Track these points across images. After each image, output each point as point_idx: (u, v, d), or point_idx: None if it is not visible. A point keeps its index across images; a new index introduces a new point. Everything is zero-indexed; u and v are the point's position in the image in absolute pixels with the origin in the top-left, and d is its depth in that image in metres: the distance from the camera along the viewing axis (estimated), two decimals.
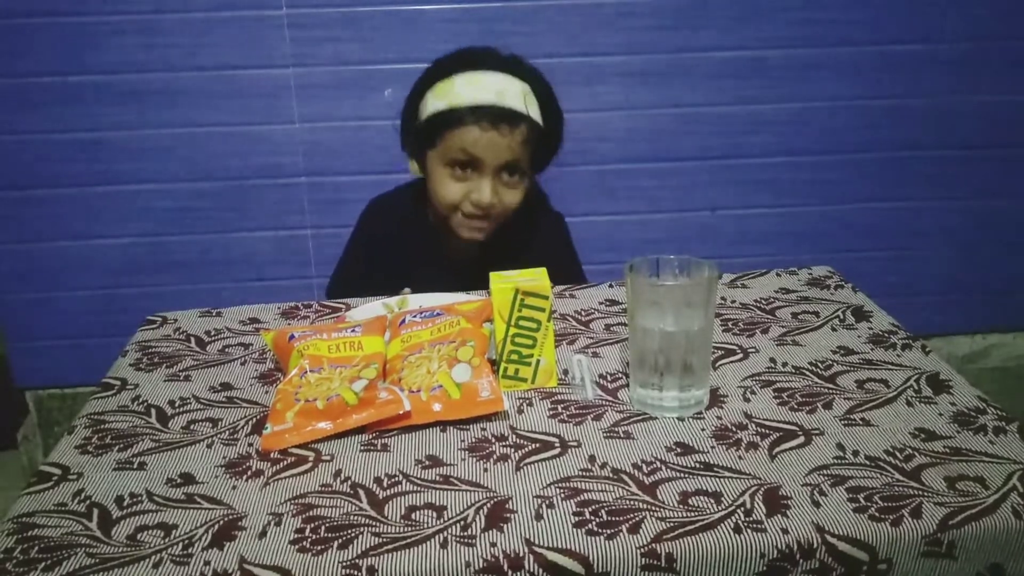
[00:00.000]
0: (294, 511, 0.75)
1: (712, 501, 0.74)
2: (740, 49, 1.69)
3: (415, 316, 0.98)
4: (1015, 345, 1.92)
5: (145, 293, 1.77)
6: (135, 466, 0.83)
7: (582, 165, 1.75)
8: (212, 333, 1.11)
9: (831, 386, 0.93)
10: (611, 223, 1.79)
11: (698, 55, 1.69)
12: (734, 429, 0.85)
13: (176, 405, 0.94)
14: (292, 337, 0.94)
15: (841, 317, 1.08)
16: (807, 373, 0.95)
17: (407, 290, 1.27)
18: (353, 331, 0.96)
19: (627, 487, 0.77)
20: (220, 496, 0.78)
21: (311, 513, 0.75)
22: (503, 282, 0.93)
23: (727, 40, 1.68)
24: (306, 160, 1.70)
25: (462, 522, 0.73)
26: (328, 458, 0.83)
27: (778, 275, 1.22)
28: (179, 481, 0.80)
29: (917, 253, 1.87)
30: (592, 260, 1.56)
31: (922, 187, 1.82)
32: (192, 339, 1.10)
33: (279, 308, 1.18)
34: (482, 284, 1.32)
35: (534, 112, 1.31)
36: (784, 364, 0.98)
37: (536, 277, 0.93)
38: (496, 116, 1.27)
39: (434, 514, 0.74)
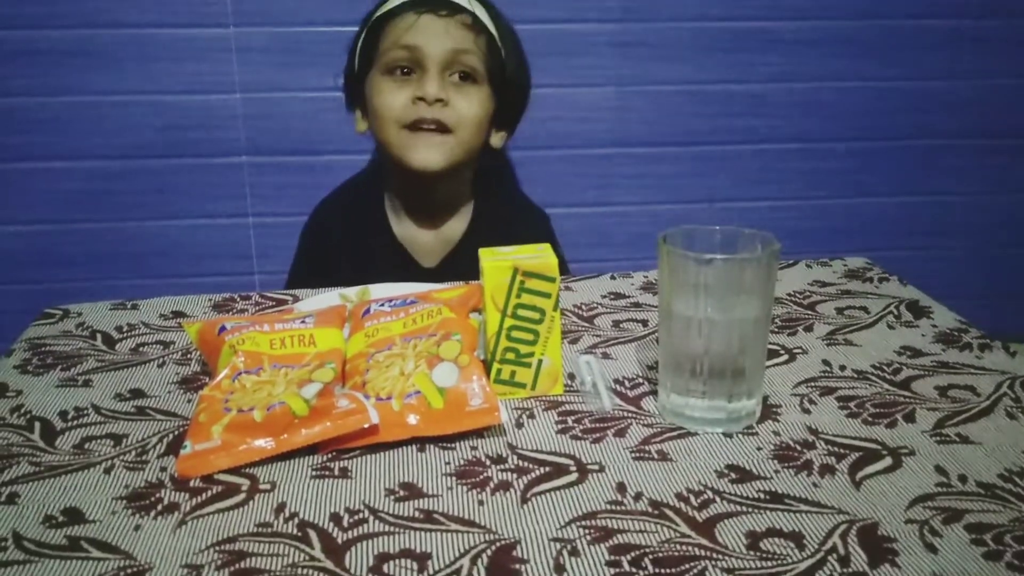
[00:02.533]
0: (219, 561, 0.54)
1: (792, 545, 0.55)
2: (748, 20, 1.51)
3: (382, 305, 0.77)
4: None
5: (46, 290, 1.52)
6: (2, 498, 0.61)
7: (567, 148, 1.55)
8: (124, 329, 0.89)
9: (907, 394, 0.74)
10: (599, 215, 1.59)
11: (701, 25, 1.51)
12: (799, 447, 0.66)
13: (69, 417, 0.72)
14: (223, 329, 0.73)
15: (896, 313, 0.90)
16: (873, 378, 0.77)
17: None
18: (303, 322, 0.75)
19: (674, 526, 0.57)
20: (116, 540, 0.56)
21: (243, 564, 0.54)
22: (497, 259, 0.73)
23: (733, 9, 1.51)
24: (248, 137, 1.48)
25: None
26: (268, 487, 0.62)
27: (808, 266, 1.04)
28: (60, 519, 0.59)
29: (925, 252, 1.71)
30: (578, 257, 1.37)
31: (949, 179, 1.66)
32: (98, 336, 0.88)
33: (210, 300, 0.97)
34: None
35: (480, 12, 1.15)
36: (842, 367, 0.79)
37: (539, 253, 0.74)
38: (433, 2, 1.13)
39: (414, 565, 0.54)
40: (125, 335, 0.88)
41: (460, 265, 1.19)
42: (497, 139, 1.23)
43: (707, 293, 0.67)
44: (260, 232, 1.53)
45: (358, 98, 1.22)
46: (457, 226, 1.23)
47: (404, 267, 1.21)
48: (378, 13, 1.16)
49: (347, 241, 1.22)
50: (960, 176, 1.69)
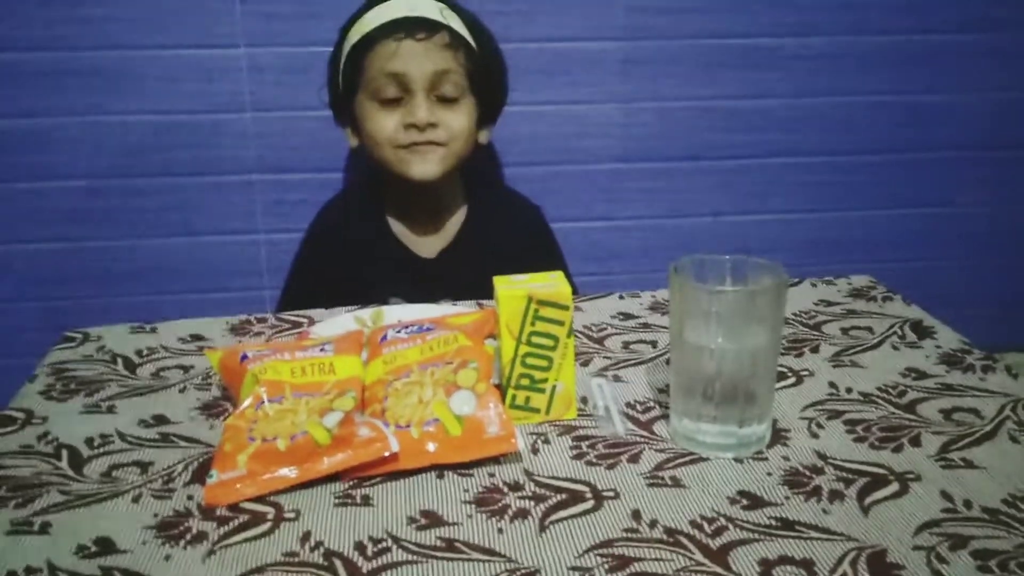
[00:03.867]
0: None
1: (803, 573, 0.57)
2: (752, 37, 1.53)
3: (398, 331, 0.79)
4: None
5: (59, 307, 1.53)
6: (35, 527, 0.63)
7: (574, 164, 1.57)
8: (144, 353, 0.91)
9: (912, 417, 0.76)
10: (606, 229, 1.61)
11: (705, 42, 1.53)
12: (808, 473, 0.68)
13: (95, 445, 0.74)
14: (245, 357, 0.74)
15: (900, 333, 0.92)
16: (879, 401, 0.78)
17: (399, 301, 1.12)
18: (322, 350, 0.76)
19: (689, 554, 0.59)
20: (148, 570, 0.58)
21: None
22: (512, 287, 0.74)
23: (737, 26, 1.52)
24: (258, 155, 1.49)
25: None
26: (292, 515, 0.64)
27: (813, 285, 1.06)
28: (93, 549, 0.60)
29: (927, 264, 1.72)
30: (585, 271, 1.39)
31: (948, 191, 1.68)
32: (119, 360, 0.89)
33: (227, 323, 0.98)
34: (452, 283, 1.16)
35: (455, 24, 1.19)
36: (848, 390, 0.81)
37: (553, 281, 0.75)
38: (409, 25, 1.16)
39: None
40: (145, 359, 0.89)
41: (458, 257, 1.26)
42: (483, 135, 1.28)
43: (718, 322, 0.68)
44: (270, 248, 1.54)
45: (346, 115, 1.26)
46: (453, 223, 1.28)
47: (404, 260, 1.26)
48: (356, 39, 1.19)
49: (348, 239, 1.27)
50: (965, 188, 1.70)
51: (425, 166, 1.19)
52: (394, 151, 1.19)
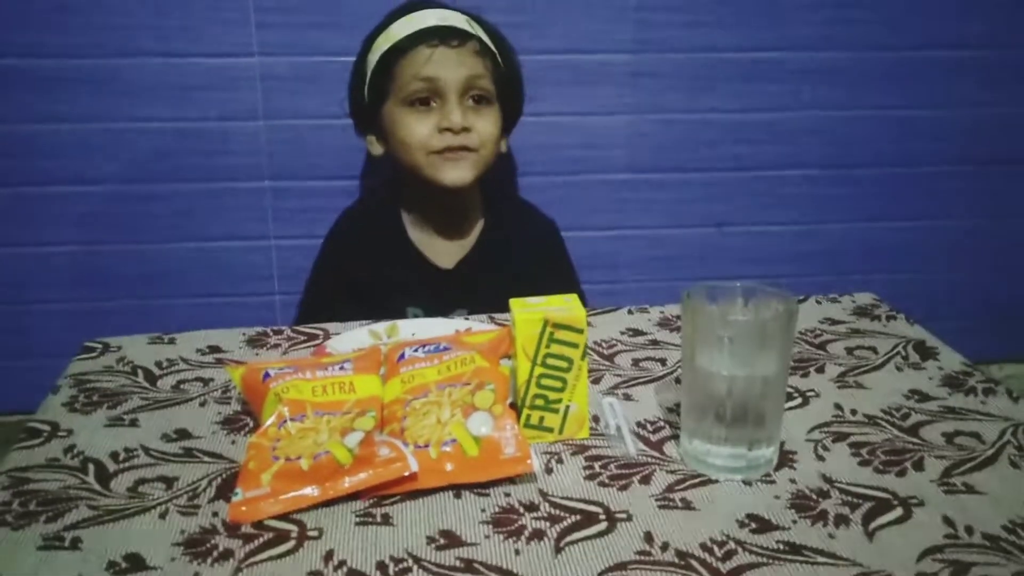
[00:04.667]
0: None
1: None
2: (755, 51, 1.55)
3: (416, 350, 0.81)
4: None
5: (76, 310, 1.55)
6: (66, 543, 0.65)
7: (582, 174, 1.59)
8: (164, 364, 0.93)
9: (915, 440, 0.78)
10: (612, 238, 1.63)
11: (711, 56, 1.55)
12: (815, 497, 0.70)
13: (120, 459, 0.76)
14: (267, 376, 0.77)
15: (904, 354, 0.94)
16: (883, 424, 0.81)
17: (417, 311, 1.19)
18: (342, 368, 0.78)
19: None
20: None
21: None
22: (528, 311, 0.76)
23: (741, 41, 1.54)
24: (270, 162, 1.51)
25: None
26: (315, 533, 0.66)
27: (818, 302, 1.08)
28: (123, 566, 0.62)
29: (929, 276, 1.75)
30: (592, 279, 1.41)
31: (947, 204, 1.70)
32: (139, 372, 0.91)
33: (243, 334, 1.00)
34: (469, 294, 1.22)
35: (483, 35, 1.22)
36: (853, 412, 0.83)
37: (567, 305, 0.77)
38: (441, 33, 1.19)
39: None
40: (165, 371, 0.91)
41: (474, 267, 1.29)
42: (503, 145, 1.31)
43: (730, 349, 0.70)
44: (281, 254, 1.56)
45: (370, 124, 1.28)
46: (471, 229, 1.31)
47: (421, 269, 1.29)
48: (386, 47, 1.21)
49: (367, 248, 1.29)
50: (957, 201, 1.72)
51: (458, 172, 1.21)
52: (427, 156, 1.21)
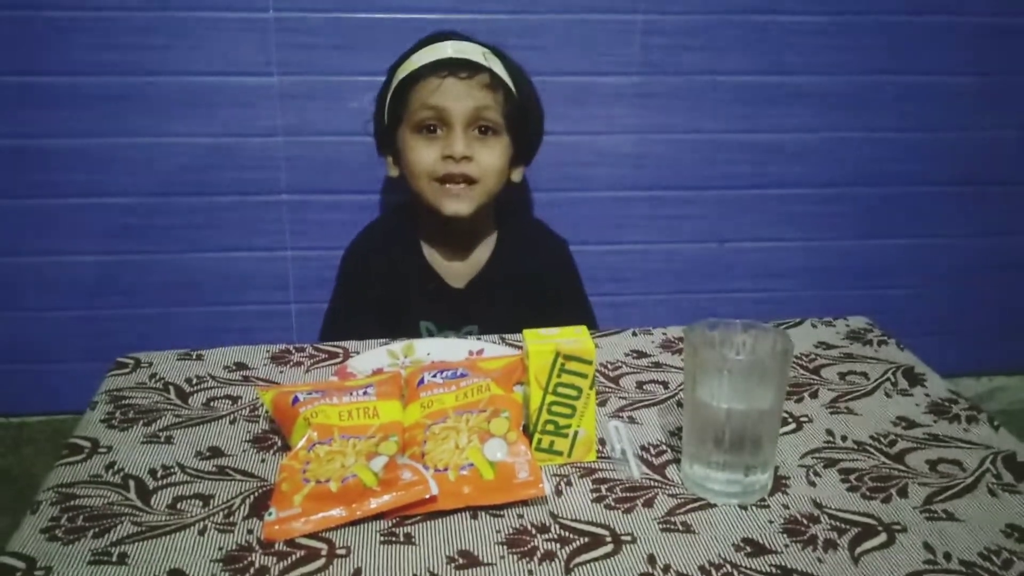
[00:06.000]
0: None
1: None
2: (756, 75, 1.60)
3: (434, 375, 0.86)
4: (1019, 388, 1.87)
5: (99, 316, 1.61)
6: (113, 558, 0.70)
7: (588, 191, 1.65)
8: (193, 381, 0.98)
9: (901, 467, 0.83)
10: (616, 253, 1.68)
11: (713, 78, 1.60)
12: (805, 522, 0.75)
13: (158, 476, 0.81)
14: (296, 400, 0.82)
15: (893, 380, 0.99)
16: (871, 450, 0.86)
17: (429, 325, 1.25)
18: (365, 393, 0.84)
19: None
20: None
21: None
22: (540, 342, 0.81)
23: (742, 64, 1.59)
24: (288, 176, 1.57)
25: None
26: (343, 552, 0.71)
27: (813, 326, 1.13)
28: None
29: (923, 291, 1.80)
30: (596, 292, 1.46)
31: (938, 223, 1.76)
32: (171, 388, 0.97)
33: (267, 352, 1.05)
34: (482, 309, 1.29)
35: (496, 67, 1.27)
36: (844, 438, 0.88)
37: (578, 337, 0.82)
38: (454, 65, 1.24)
39: None
40: (195, 388, 0.97)
41: (486, 287, 1.34)
42: (516, 174, 1.35)
43: (729, 384, 0.76)
44: (297, 265, 1.62)
45: (389, 146, 1.33)
46: (483, 252, 1.35)
47: (436, 289, 1.34)
48: (403, 74, 1.26)
49: (384, 265, 1.34)
50: (953, 220, 1.78)
51: (458, 205, 1.27)
52: (430, 184, 1.26)
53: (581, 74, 1.58)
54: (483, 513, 0.76)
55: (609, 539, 0.73)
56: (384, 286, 1.33)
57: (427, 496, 0.74)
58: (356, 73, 1.43)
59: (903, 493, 0.79)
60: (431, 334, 1.31)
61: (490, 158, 1.27)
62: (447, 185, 1.26)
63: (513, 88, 1.28)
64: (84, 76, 1.49)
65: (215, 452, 0.85)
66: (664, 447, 0.86)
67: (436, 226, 1.33)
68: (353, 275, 1.37)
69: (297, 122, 1.54)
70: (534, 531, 0.74)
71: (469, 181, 1.26)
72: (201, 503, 0.77)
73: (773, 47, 1.60)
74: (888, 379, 1.00)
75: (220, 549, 0.71)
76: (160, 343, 1.07)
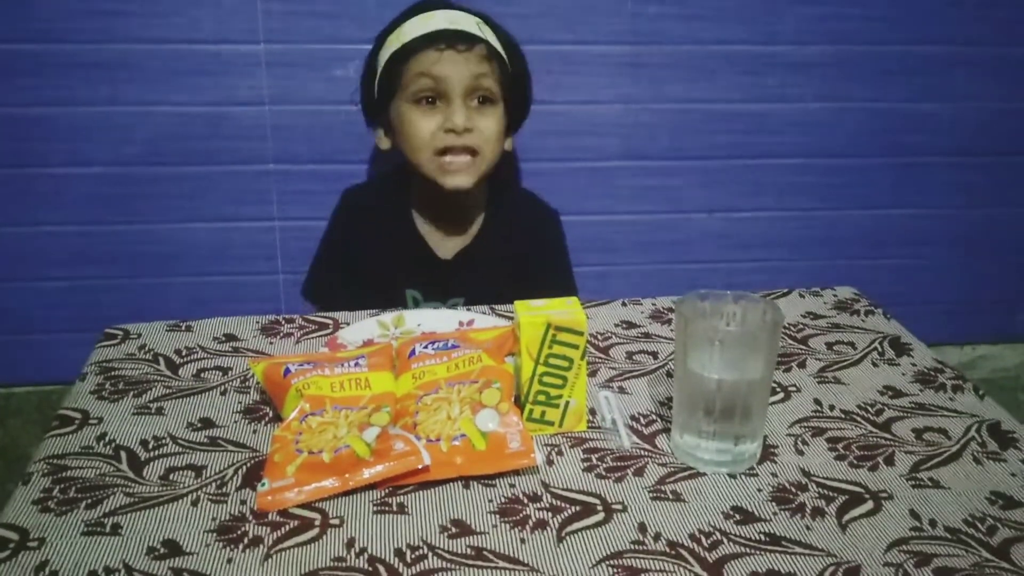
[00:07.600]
0: None
1: None
2: (748, 44, 1.60)
3: (425, 347, 0.87)
4: (1002, 356, 1.89)
5: (85, 286, 1.60)
6: (107, 529, 0.70)
7: (578, 161, 1.64)
8: (183, 352, 0.98)
9: (887, 436, 0.84)
10: (606, 223, 1.69)
11: (704, 48, 1.60)
12: (794, 490, 0.76)
13: (150, 447, 0.81)
14: (288, 371, 0.82)
15: (880, 350, 1.00)
16: (859, 419, 0.87)
17: (415, 294, 1.25)
18: (356, 364, 0.84)
19: (689, 566, 0.67)
20: (214, 573, 0.66)
21: None
22: (532, 313, 0.82)
23: (734, 34, 1.59)
24: (275, 146, 1.56)
25: None
26: (336, 521, 0.72)
27: (801, 296, 1.14)
28: (162, 551, 0.68)
29: (909, 262, 1.81)
30: (586, 262, 1.46)
31: (929, 194, 1.77)
32: (161, 360, 0.96)
33: (257, 323, 1.05)
34: (469, 280, 1.29)
35: (490, 38, 1.26)
36: (831, 407, 0.89)
37: (569, 309, 0.83)
38: (450, 36, 1.23)
39: None
40: (185, 359, 0.96)
41: (473, 259, 1.34)
42: (508, 143, 1.35)
43: (720, 355, 0.76)
44: (285, 235, 1.61)
45: (379, 118, 1.32)
46: (472, 223, 1.35)
47: (422, 258, 1.34)
48: (396, 46, 1.25)
49: (373, 230, 1.34)
50: (940, 190, 1.79)
51: (459, 178, 1.26)
52: (431, 158, 1.25)
53: (569, 43, 1.57)
54: (475, 483, 0.76)
55: (600, 508, 0.74)
56: (371, 250, 1.33)
57: (420, 466, 0.75)
58: (343, 41, 1.41)
59: (890, 461, 0.80)
60: (417, 303, 1.31)
61: (490, 126, 1.26)
62: (447, 158, 1.25)
63: (506, 58, 1.28)
64: (66, 44, 1.47)
65: (206, 423, 0.85)
66: (654, 417, 0.87)
67: (430, 197, 1.32)
68: (340, 227, 1.37)
69: (283, 91, 1.53)
70: (526, 500, 0.74)
71: (472, 152, 1.26)
72: (193, 474, 0.77)
73: (764, 16, 1.59)
74: (875, 349, 1.01)
75: (213, 519, 0.72)
76: (146, 313, 1.07)
